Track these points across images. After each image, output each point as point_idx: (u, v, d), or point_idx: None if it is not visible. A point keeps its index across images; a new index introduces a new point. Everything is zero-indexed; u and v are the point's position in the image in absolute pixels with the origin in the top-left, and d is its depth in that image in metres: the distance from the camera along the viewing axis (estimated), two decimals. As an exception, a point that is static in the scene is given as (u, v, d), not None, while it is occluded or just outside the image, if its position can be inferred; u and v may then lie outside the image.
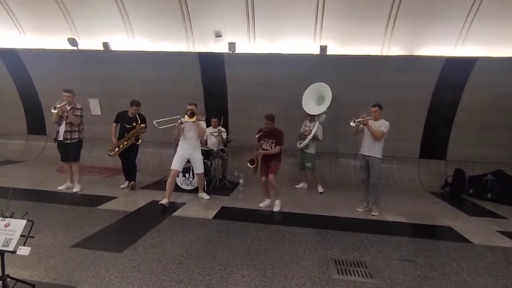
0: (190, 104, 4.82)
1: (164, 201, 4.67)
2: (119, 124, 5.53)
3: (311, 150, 5.80)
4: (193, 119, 4.63)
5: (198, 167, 5.08)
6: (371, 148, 4.58)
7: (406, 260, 3.29)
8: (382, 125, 4.52)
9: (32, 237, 2.23)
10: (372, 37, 6.41)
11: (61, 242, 3.32)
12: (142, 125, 5.44)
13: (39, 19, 7.13)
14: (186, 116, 4.64)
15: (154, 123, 5.06)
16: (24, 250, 2.14)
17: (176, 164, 4.87)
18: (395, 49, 6.47)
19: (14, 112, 8.23)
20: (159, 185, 5.96)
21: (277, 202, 4.82)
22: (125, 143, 5.39)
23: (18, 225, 2.21)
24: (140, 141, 5.50)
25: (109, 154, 5.51)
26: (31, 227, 2.23)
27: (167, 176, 5.06)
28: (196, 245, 3.43)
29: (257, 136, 4.71)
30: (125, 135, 5.43)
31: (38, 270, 2.75)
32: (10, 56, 7.47)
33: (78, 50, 7.10)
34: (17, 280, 2.33)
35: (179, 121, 4.74)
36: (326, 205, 5.18)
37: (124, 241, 3.41)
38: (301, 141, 5.76)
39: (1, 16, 7.12)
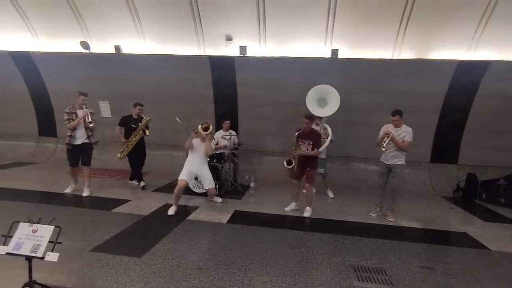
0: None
1: (172, 210, 4.60)
2: (123, 128, 5.74)
3: (323, 154, 5.69)
4: (206, 133, 4.67)
5: (208, 183, 4.98)
6: (396, 157, 4.51)
7: (426, 267, 3.27)
8: (406, 134, 4.45)
9: (60, 243, 2.24)
10: (383, 41, 6.41)
11: (80, 246, 3.34)
12: (148, 118, 5.67)
13: (52, 22, 7.19)
14: (200, 126, 4.67)
15: (177, 118, 5.36)
16: (52, 256, 2.15)
17: (185, 175, 4.81)
18: (406, 53, 6.46)
19: (25, 114, 8.32)
20: (171, 188, 5.94)
21: (309, 208, 4.76)
22: (134, 139, 5.61)
23: (45, 231, 2.22)
24: (147, 134, 5.71)
25: (119, 157, 5.69)
26: (59, 233, 2.25)
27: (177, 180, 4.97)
28: (213, 250, 3.43)
29: (295, 135, 4.68)
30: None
31: (60, 275, 2.77)
32: (23, 59, 7.55)
33: (90, 53, 7.15)
34: (43, 285, 2.35)
35: (194, 131, 4.75)
36: (339, 210, 5.17)
37: (142, 246, 3.42)
38: None
39: (15, 19, 7.19)
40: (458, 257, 3.60)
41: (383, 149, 4.47)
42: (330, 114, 5.64)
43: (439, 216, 5.14)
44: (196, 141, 4.85)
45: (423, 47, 6.39)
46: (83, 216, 4.33)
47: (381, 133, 4.64)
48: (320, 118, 5.67)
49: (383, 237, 4.05)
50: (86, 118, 5.00)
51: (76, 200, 5.07)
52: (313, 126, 5.66)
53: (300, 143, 4.65)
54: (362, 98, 6.62)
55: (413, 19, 6.03)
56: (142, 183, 5.97)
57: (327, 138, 5.58)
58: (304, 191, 4.91)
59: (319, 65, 6.52)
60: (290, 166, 4.77)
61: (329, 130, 5.56)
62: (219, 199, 5.29)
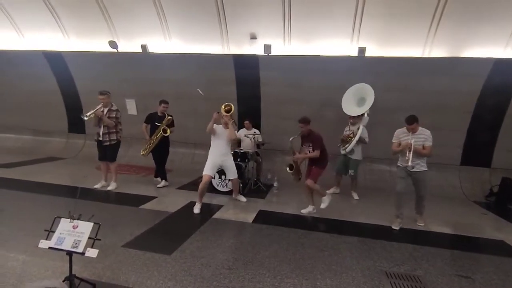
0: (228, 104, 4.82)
1: (198, 208, 4.65)
2: (149, 125, 5.84)
3: (357, 156, 5.58)
4: (228, 114, 4.67)
5: (231, 173, 5.00)
6: (419, 164, 4.22)
7: (463, 276, 3.11)
8: (426, 139, 4.16)
9: (99, 239, 2.29)
10: (413, 38, 6.16)
11: (112, 241, 3.41)
12: (169, 117, 5.71)
13: (82, 21, 7.44)
14: (222, 107, 4.69)
15: (198, 90, 5.62)
16: (92, 252, 2.20)
17: (209, 169, 4.81)
18: (438, 51, 6.18)
19: (56, 111, 8.66)
20: (195, 185, 6.01)
21: (324, 198, 4.70)
22: (155, 137, 5.69)
23: (85, 227, 2.28)
24: (168, 133, 5.71)
25: (142, 154, 5.85)
26: (98, 229, 2.30)
27: (201, 177, 4.96)
28: (241, 250, 3.43)
29: (290, 140, 4.66)
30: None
31: (96, 269, 2.84)
32: (55, 58, 7.85)
33: (118, 52, 7.32)
34: (81, 279, 2.41)
35: (216, 112, 4.71)
36: (364, 212, 5.03)
37: (171, 243, 3.46)
38: (345, 146, 5.54)
39: (48, 19, 7.47)
40: (497, 266, 3.40)
41: (410, 166, 4.09)
42: (361, 113, 5.55)
43: (472, 222, 4.90)
44: (219, 128, 4.83)
45: (456, 45, 6.10)
46: (113, 212, 4.45)
47: (395, 140, 4.35)
48: (354, 117, 5.56)
49: (414, 242, 3.89)
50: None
51: (105, 196, 5.23)
52: (350, 128, 5.61)
53: (304, 146, 4.67)
54: (390, 98, 6.37)
55: (446, 15, 5.77)
56: (163, 183, 5.93)
57: (354, 137, 5.44)
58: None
59: (346, 63, 6.37)
60: (291, 171, 4.77)
61: (360, 130, 5.41)
62: (243, 199, 5.27)
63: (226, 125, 4.80)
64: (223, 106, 4.72)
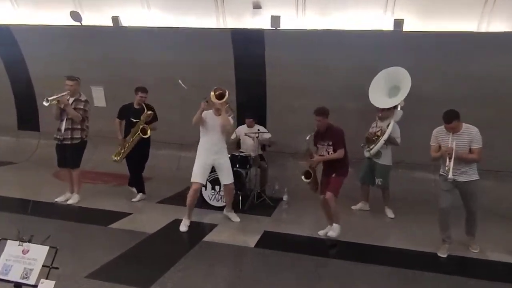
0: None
1: (185, 226, 4.72)
2: (124, 121, 5.81)
3: (386, 160, 5.56)
4: (221, 101, 4.46)
5: (226, 176, 4.95)
6: (467, 172, 4.15)
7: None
8: (473, 140, 4.06)
9: (57, 268, 2.29)
10: (466, 8, 6.17)
11: (73, 271, 3.40)
12: (149, 112, 5.58)
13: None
14: (212, 93, 4.44)
15: (180, 82, 5.37)
16: (47, 284, 2.20)
17: (199, 175, 4.79)
18: (498, 24, 6.17)
19: (3, 102, 8.74)
20: (180, 198, 6.01)
21: (336, 226, 4.66)
22: (131, 139, 5.64)
23: (39, 252, 2.28)
24: (148, 134, 5.64)
25: (114, 160, 5.81)
26: (55, 255, 2.30)
27: (189, 187, 4.97)
28: (242, 283, 3.45)
29: (306, 139, 4.61)
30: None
31: (52, 307, 2.85)
32: (1, 33, 7.90)
33: (82, 26, 7.39)
34: (33, 320, 2.42)
35: (204, 100, 4.54)
36: (402, 235, 5.03)
37: (149, 273, 3.47)
38: (370, 146, 5.51)
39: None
40: None
41: (450, 178, 4.00)
42: (393, 105, 5.54)
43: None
44: (208, 115, 4.72)
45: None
46: (75, 232, 4.49)
47: (433, 142, 4.33)
48: (384, 110, 5.57)
49: (467, 274, 3.87)
50: None
51: (65, 212, 5.27)
52: (378, 124, 5.58)
53: (318, 146, 4.64)
54: (434, 85, 6.37)
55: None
56: (139, 196, 5.94)
57: (382, 136, 5.42)
58: None
59: (376, 40, 6.36)
60: (309, 180, 4.71)
61: (391, 128, 5.37)
62: (236, 218, 5.22)
63: (218, 112, 4.69)
64: (212, 92, 4.48)
